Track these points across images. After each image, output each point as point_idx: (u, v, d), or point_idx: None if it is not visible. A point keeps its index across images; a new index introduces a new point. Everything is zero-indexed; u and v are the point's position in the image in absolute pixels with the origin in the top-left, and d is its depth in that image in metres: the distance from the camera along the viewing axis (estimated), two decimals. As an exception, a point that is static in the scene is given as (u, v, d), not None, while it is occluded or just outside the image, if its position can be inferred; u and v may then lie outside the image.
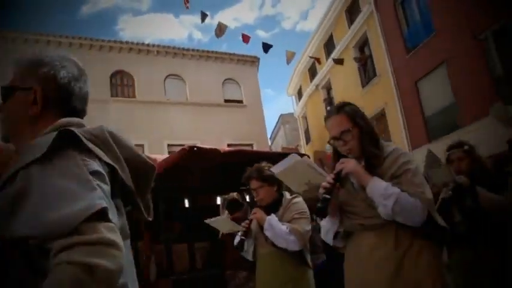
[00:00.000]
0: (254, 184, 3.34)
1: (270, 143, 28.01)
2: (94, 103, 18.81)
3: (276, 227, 3.10)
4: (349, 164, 2.12)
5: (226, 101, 22.85)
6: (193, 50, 23.04)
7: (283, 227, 3.08)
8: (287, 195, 3.37)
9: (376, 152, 2.17)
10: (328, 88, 22.46)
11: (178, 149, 6.88)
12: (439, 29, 13.38)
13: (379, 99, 16.88)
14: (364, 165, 2.17)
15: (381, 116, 17.15)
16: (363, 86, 18.42)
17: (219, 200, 7.99)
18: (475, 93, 11.65)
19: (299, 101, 26.81)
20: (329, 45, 21.41)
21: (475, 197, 3.00)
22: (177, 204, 7.69)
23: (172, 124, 20.06)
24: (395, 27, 15.71)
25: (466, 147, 3.28)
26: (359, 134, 2.19)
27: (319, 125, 23.05)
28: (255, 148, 20.79)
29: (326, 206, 2.00)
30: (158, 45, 22.14)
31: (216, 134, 20.43)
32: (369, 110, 17.62)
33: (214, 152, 5.86)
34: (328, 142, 2.30)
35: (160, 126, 19.75)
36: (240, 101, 23.31)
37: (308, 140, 25.52)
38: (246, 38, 10.82)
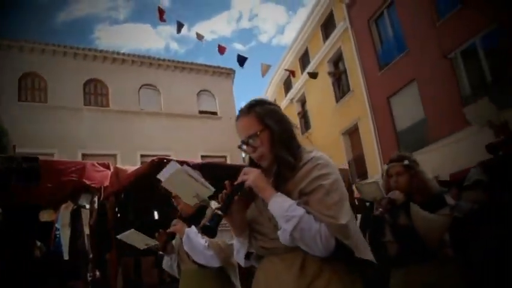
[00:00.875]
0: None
1: (244, 155, 27.97)
2: (66, 111, 18.83)
3: (193, 240, 2.82)
4: (250, 175, 1.76)
5: (200, 112, 22.81)
6: (168, 60, 22.99)
7: (202, 241, 2.79)
8: (212, 204, 3.05)
9: (288, 160, 1.77)
10: (302, 102, 22.70)
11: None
12: (411, 47, 13.75)
13: (353, 113, 17.15)
14: (273, 176, 1.82)
15: (355, 130, 17.41)
16: (337, 101, 18.69)
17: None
18: (445, 110, 11.96)
19: (274, 114, 26.89)
20: (304, 59, 21.69)
21: (408, 214, 2.85)
22: (146, 215, 7.60)
23: (146, 134, 19.89)
24: (369, 44, 16.07)
25: (405, 161, 3.05)
26: (270, 138, 1.82)
27: (293, 138, 23.19)
28: (228, 160, 20.76)
29: (215, 224, 1.70)
30: (133, 55, 22.02)
31: (190, 145, 20.35)
32: (343, 125, 17.89)
33: (184, 164, 5.81)
34: (239, 147, 1.91)
35: (133, 137, 19.56)
36: (215, 113, 23.31)
37: (282, 152, 25.57)
38: (222, 49, 10.85)
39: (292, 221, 1.61)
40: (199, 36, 10.39)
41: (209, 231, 1.70)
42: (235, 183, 1.77)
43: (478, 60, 11.56)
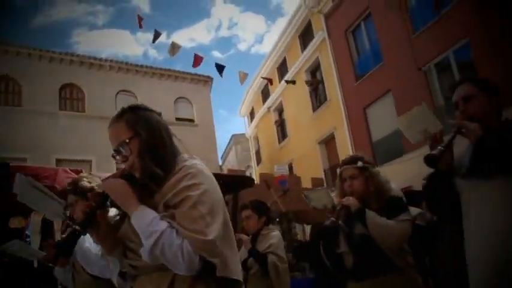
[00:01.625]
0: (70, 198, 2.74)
1: (220, 163, 27.96)
2: (41, 115, 18.52)
3: (86, 251, 2.63)
4: (111, 186, 1.63)
5: (177, 119, 22.71)
6: (146, 66, 22.88)
7: (96, 250, 2.51)
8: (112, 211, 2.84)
9: (152, 170, 1.61)
10: (280, 110, 22.81)
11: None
12: (387, 58, 14.00)
13: (329, 123, 17.31)
14: (139, 188, 1.64)
15: (331, 139, 17.57)
16: (314, 110, 18.85)
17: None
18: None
19: (251, 122, 27.05)
20: (282, 69, 21.84)
21: (364, 222, 2.59)
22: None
23: (121, 140, 19.66)
24: (346, 55, 16.29)
25: (359, 163, 2.77)
26: (139, 146, 1.66)
27: (270, 146, 23.30)
28: (205, 168, 20.66)
29: (70, 241, 1.56)
30: (111, 60, 21.85)
31: (167, 152, 20.20)
32: (319, 134, 18.04)
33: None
34: (112, 156, 1.77)
35: (109, 143, 19.14)
36: (192, 120, 23.24)
37: (259, 161, 25.69)
38: (197, 60, 10.80)
39: (153, 237, 1.46)
40: (176, 48, 10.37)
41: (62, 248, 1.61)
42: (97, 195, 1.64)
43: (451, 72, 11.84)
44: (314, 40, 18.36)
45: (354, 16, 15.75)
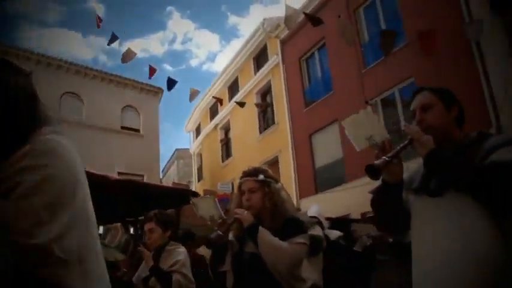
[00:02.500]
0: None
1: (161, 176, 27.53)
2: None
3: None
4: None
5: (123, 128, 22.24)
6: (96, 70, 22.33)
7: None
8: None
9: None
10: (226, 129, 22.87)
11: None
12: (336, 89, 14.48)
13: (275, 146, 17.54)
14: None
15: (275, 162, 17.74)
16: (261, 132, 19.06)
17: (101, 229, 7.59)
18: (362, 151, 12.56)
19: (196, 138, 26.90)
20: (233, 88, 21.97)
21: (256, 240, 2.38)
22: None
23: (61, 143, 18.94)
24: (298, 81, 16.70)
25: (261, 176, 2.58)
26: None
27: (214, 164, 23.23)
28: (145, 179, 20.29)
29: None
30: (60, 59, 21.14)
31: (109, 160, 19.66)
32: (264, 156, 18.20)
33: (104, 178, 5.63)
34: None
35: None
36: (137, 130, 22.83)
37: (200, 177, 25.53)
38: (152, 71, 10.68)
39: None
40: (130, 54, 10.20)
41: None
42: None
43: (395, 108, 12.40)
44: (268, 63, 18.66)
45: (309, 44, 16.19)
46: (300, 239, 2.39)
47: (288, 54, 17.52)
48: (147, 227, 3.64)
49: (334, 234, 5.50)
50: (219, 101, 15.40)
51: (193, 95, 11.73)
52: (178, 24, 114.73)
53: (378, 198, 2.07)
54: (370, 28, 13.69)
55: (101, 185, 5.83)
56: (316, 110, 15.39)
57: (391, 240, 5.42)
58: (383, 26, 13.04)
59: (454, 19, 10.22)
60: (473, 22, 8.56)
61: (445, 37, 9.09)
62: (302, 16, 7.91)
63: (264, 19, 18.36)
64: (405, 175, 2.02)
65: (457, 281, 1.66)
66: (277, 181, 2.65)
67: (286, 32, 17.18)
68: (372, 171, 1.82)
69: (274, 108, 18.33)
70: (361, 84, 13.16)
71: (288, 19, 7.66)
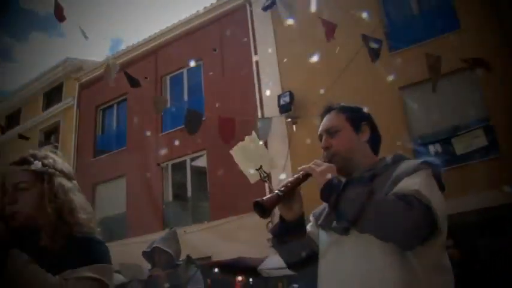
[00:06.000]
0: None
1: None
2: None
3: None
4: None
5: None
6: None
7: None
8: None
9: None
10: (-5, 161, 20.64)
11: None
12: (130, 146, 14.93)
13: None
14: None
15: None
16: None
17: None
18: (145, 211, 13.06)
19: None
20: (13, 118, 20.14)
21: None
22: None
23: None
24: (91, 128, 16.50)
25: (36, 163, 1.65)
26: None
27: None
28: None
29: None
30: None
31: None
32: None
33: None
34: None
35: None
36: None
37: None
38: None
39: None
40: None
41: None
42: None
43: (185, 173, 13.33)
44: (61, 104, 17.92)
45: (110, 96, 16.11)
46: (85, 272, 1.49)
47: (85, 99, 17.21)
48: None
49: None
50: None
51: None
52: None
53: (277, 238, 1.74)
54: (173, 96, 14.57)
55: None
56: (106, 161, 15.40)
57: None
58: (186, 97, 14.21)
59: (252, 114, 11.79)
60: (263, 119, 10.26)
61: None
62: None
63: (67, 58, 17.88)
64: (318, 209, 1.84)
65: None
66: (67, 176, 1.78)
67: (89, 77, 16.97)
68: (260, 208, 1.48)
69: (59, 151, 17.45)
70: (155, 146, 13.81)
71: (107, 71, 7.65)
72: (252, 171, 1.94)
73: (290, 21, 11.56)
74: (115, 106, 16.47)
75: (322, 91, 10.10)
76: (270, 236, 1.84)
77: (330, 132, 1.74)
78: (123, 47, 15.68)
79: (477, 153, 9.19)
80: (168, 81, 15.07)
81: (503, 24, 9.82)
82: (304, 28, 11.30)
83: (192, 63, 13.69)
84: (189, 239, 10.13)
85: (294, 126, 11.40)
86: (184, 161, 13.56)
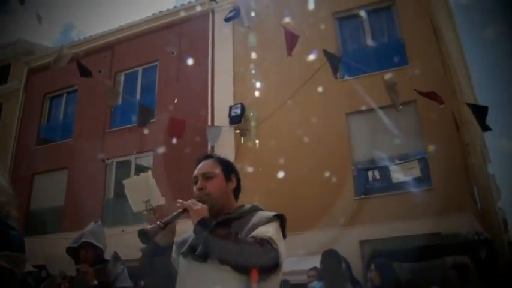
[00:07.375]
0: None
1: None
2: None
3: None
4: None
5: None
6: None
7: None
8: None
9: None
10: None
11: None
12: (75, 137, 14.59)
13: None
14: None
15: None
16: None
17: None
18: (80, 206, 12.84)
19: None
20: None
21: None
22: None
23: None
24: (36, 116, 15.96)
25: None
26: None
27: None
28: None
29: None
30: None
31: None
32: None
33: None
34: None
35: None
36: None
37: None
38: None
39: None
40: None
41: None
42: None
43: (129, 170, 13.27)
44: (7, 85, 17.23)
45: (60, 84, 15.66)
46: None
47: (33, 84, 16.62)
48: None
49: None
50: None
51: None
52: None
53: (146, 259, 2.06)
54: (125, 93, 14.38)
55: None
56: (48, 151, 15.00)
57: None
58: (138, 96, 14.11)
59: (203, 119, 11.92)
60: (213, 127, 10.41)
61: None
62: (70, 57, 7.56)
63: (19, 39, 17.26)
64: (180, 237, 2.11)
65: None
66: None
67: (39, 63, 16.42)
68: (144, 236, 1.80)
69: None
70: (102, 141, 13.65)
71: (58, 59, 7.52)
72: (139, 202, 2.32)
73: (251, 35, 11.90)
74: (64, 96, 16.03)
75: (273, 108, 10.44)
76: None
77: (206, 176, 2.07)
78: (74, 35, 15.20)
79: (412, 183, 9.73)
80: (122, 78, 14.89)
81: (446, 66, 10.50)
82: (263, 43, 11.63)
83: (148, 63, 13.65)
84: (127, 239, 10.05)
85: (242, 138, 11.64)
86: (130, 160, 13.47)
